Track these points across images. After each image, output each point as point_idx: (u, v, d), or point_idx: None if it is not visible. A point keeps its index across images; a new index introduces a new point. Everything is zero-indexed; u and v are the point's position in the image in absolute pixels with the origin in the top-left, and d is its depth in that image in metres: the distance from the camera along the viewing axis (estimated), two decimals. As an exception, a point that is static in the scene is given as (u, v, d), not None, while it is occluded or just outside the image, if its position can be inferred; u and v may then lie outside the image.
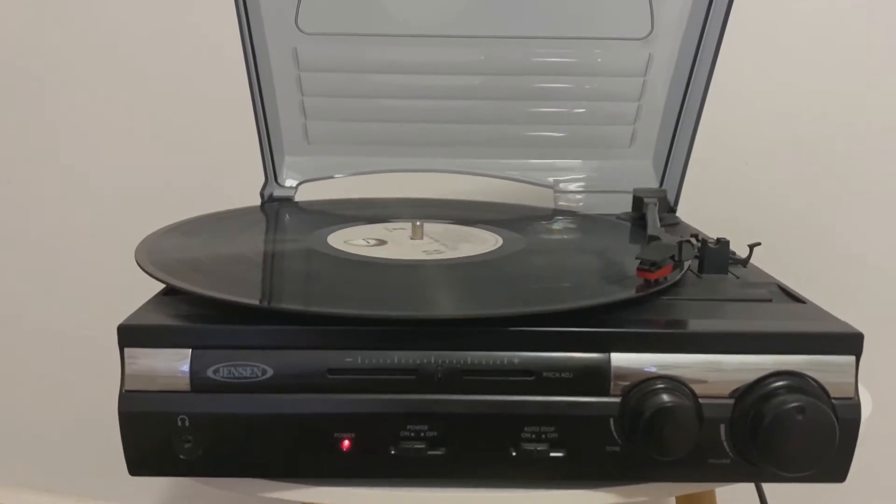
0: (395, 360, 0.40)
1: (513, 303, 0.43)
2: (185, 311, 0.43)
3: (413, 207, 0.73)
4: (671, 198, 0.71)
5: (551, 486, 0.42)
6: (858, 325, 0.42)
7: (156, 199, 0.93)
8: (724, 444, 0.41)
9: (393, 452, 0.41)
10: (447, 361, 0.40)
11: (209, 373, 0.40)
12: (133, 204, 0.94)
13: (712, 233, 0.67)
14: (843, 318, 0.43)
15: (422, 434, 0.41)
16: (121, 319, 0.41)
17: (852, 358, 0.41)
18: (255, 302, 0.42)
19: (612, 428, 0.41)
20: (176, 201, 0.88)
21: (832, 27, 0.82)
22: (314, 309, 0.40)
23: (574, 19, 0.67)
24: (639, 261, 0.46)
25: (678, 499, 0.57)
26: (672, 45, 0.67)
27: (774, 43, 0.83)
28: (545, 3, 0.66)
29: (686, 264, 0.48)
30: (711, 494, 0.58)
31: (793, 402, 0.39)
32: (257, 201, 0.71)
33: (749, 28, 0.77)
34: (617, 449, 0.41)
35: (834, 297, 0.83)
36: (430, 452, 0.41)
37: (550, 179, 0.74)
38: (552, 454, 0.41)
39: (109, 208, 0.95)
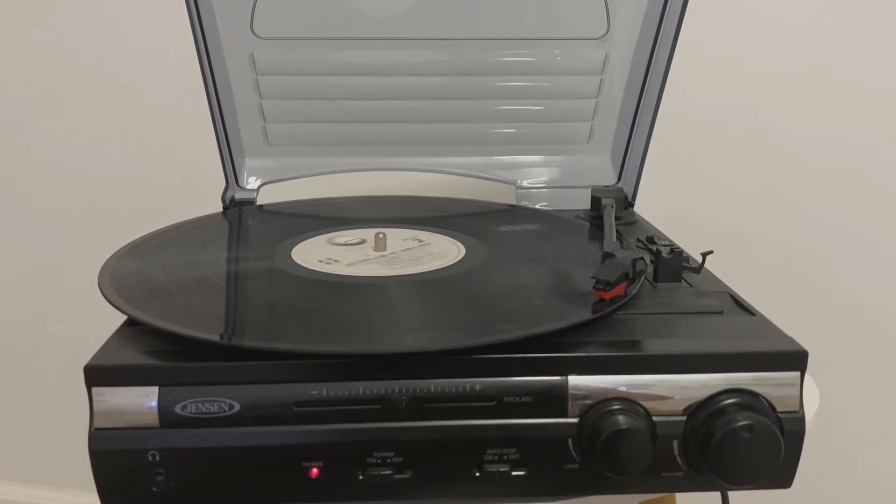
0: (361, 391, 0.42)
1: (473, 330, 0.45)
2: (150, 346, 0.43)
3: (376, 207, 0.73)
4: (629, 192, 0.73)
5: (514, 501, 0.44)
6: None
7: (121, 204, 0.93)
8: (678, 458, 0.43)
9: (361, 478, 0.42)
10: (411, 390, 0.42)
11: (177, 409, 0.41)
12: (100, 206, 0.94)
13: (670, 223, 0.69)
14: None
15: (388, 460, 0.42)
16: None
17: (797, 374, 0.43)
18: (219, 339, 0.42)
19: (571, 447, 0.43)
20: (138, 207, 0.88)
21: (789, 15, 0.83)
22: (278, 346, 0.41)
23: (532, 20, 0.67)
24: (594, 279, 0.47)
25: (642, 501, 0.60)
26: (628, 43, 0.68)
27: (733, 33, 0.84)
28: (503, 4, 0.66)
29: (638, 283, 0.49)
30: (672, 495, 0.60)
31: (741, 420, 0.41)
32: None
33: (707, 19, 0.78)
34: (576, 466, 0.43)
35: (788, 283, 0.86)
36: (396, 476, 0.42)
37: (512, 176, 0.75)
38: (514, 473, 0.43)
39: (79, 208, 0.95)
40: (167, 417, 0.41)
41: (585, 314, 0.46)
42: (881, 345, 0.89)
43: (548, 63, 0.69)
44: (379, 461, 0.42)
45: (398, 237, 0.61)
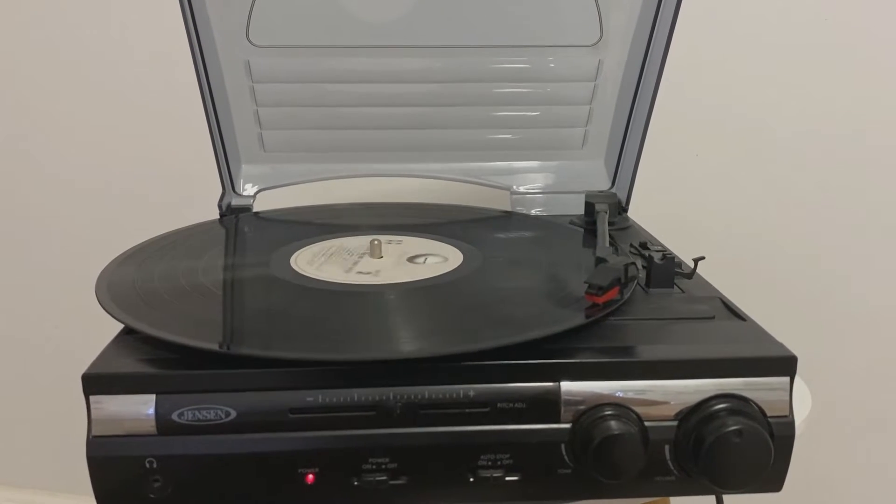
0: (356, 398, 0.42)
1: (467, 337, 0.45)
2: (147, 354, 0.43)
3: (372, 214, 0.74)
4: (622, 197, 0.73)
5: (508, 505, 0.45)
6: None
7: (117, 212, 0.93)
8: (669, 463, 0.43)
9: (356, 484, 0.43)
10: (405, 397, 0.42)
11: (174, 416, 0.41)
12: (96, 214, 0.95)
13: (664, 227, 0.69)
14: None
15: (383, 466, 0.43)
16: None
17: (787, 379, 0.43)
18: (216, 347, 0.43)
19: (564, 453, 0.43)
20: (135, 215, 0.88)
21: (781, 18, 0.83)
22: (274, 354, 0.42)
23: (526, 28, 0.68)
24: (587, 284, 0.48)
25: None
26: (621, 50, 0.69)
27: (725, 37, 0.84)
28: (498, 12, 0.67)
29: (631, 287, 0.50)
30: (665, 499, 0.61)
31: (731, 425, 0.41)
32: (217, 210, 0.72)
33: (700, 24, 0.78)
34: (569, 471, 0.43)
35: (781, 287, 0.86)
36: (391, 482, 0.43)
37: (507, 182, 0.75)
38: (507, 478, 0.43)
39: (77, 216, 0.96)
40: (164, 425, 0.41)
41: (578, 319, 0.46)
42: (873, 348, 0.90)
43: (542, 70, 0.70)
44: (374, 467, 0.42)
45: (393, 243, 0.61)
